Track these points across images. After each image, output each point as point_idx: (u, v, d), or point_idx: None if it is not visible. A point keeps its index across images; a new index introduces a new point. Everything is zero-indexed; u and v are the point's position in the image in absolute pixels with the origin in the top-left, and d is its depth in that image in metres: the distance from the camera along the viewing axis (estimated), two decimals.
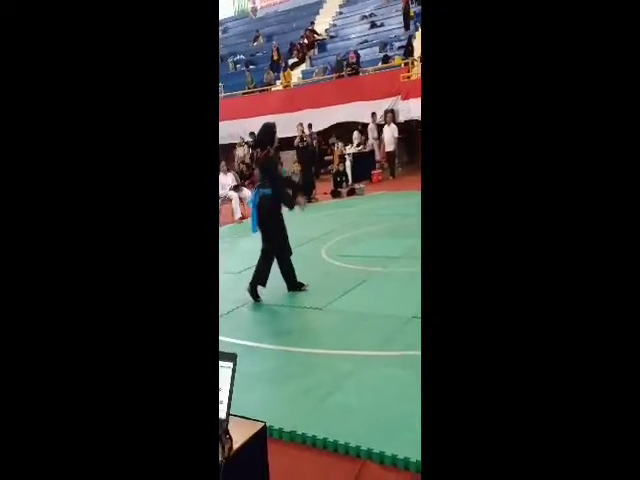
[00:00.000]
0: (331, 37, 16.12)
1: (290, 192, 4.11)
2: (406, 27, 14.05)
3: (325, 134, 12.90)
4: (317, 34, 15.94)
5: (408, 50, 12.78)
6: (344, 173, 10.17)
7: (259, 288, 4.08)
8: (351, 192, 9.48)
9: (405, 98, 11.88)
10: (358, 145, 11.96)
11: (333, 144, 12.21)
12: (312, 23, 16.34)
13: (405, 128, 12.03)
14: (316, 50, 15.68)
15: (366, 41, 14.68)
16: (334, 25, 16.53)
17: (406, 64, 12.42)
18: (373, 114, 11.79)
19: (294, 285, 4.18)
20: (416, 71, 12.24)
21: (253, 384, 2.68)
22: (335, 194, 9.54)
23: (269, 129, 4.12)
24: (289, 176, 4.38)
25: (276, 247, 4.02)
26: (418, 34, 13.19)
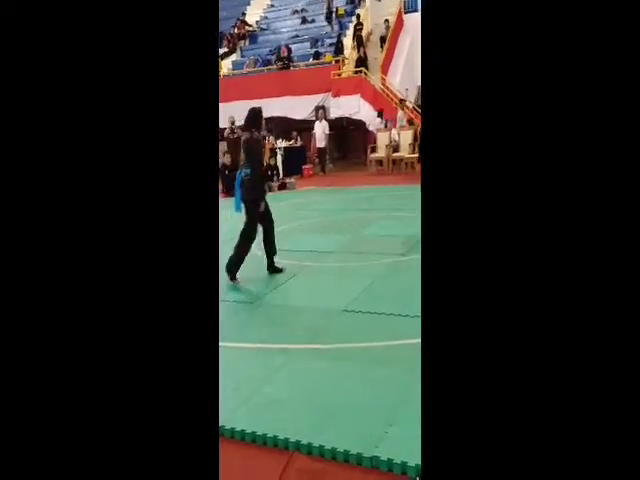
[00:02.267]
0: (262, 29, 15.94)
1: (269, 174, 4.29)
2: (330, 24, 14.17)
3: None
4: (248, 25, 15.70)
5: (338, 47, 12.94)
6: (275, 167, 10.13)
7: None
8: (282, 186, 9.47)
9: (336, 95, 12.03)
10: (290, 139, 11.95)
11: (265, 137, 12.10)
12: (243, 14, 16.07)
13: (336, 125, 12.19)
14: (247, 41, 15.45)
15: (297, 36, 14.66)
16: (265, 17, 16.35)
17: (337, 61, 12.56)
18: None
19: (272, 267, 4.36)
20: (346, 69, 12.42)
21: None
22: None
23: (256, 113, 4.19)
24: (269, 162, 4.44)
25: (255, 227, 4.16)
26: (349, 32, 13.39)
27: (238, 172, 4.25)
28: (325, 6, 14.25)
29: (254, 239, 4.22)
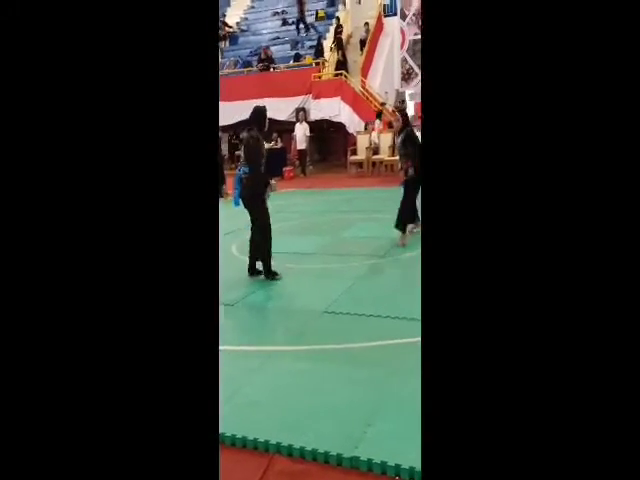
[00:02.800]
0: (242, 31, 15.88)
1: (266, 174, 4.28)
2: (298, 30, 14.13)
3: (235, 128, 12.69)
4: (229, 26, 15.62)
5: (318, 50, 12.97)
6: None
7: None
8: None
9: (316, 97, 12.06)
10: (271, 141, 11.93)
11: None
12: (224, 15, 15.98)
13: (316, 127, 12.21)
14: (227, 42, 15.36)
15: (278, 37, 14.65)
16: (245, 19, 16.30)
17: (317, 64, 12.59)
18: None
19: (269, 273, 4.25)
20: (327, 71, 12.46)
21: None
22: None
23: (260, 113, 4.21)
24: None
25: (266, 222, 4.15)
26: (329, 35, 13.44)
27: (237, 169, 4.35)
28: (297, 9, 14.21)
29: (270, 233, 4.17)
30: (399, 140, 4.87)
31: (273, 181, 4.40)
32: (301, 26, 14.08)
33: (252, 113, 4.30)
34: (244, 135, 4.27)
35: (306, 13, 14.38)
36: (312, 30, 14.00)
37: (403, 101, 5.12)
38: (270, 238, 4.21)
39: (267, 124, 4.31)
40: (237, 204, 4.28)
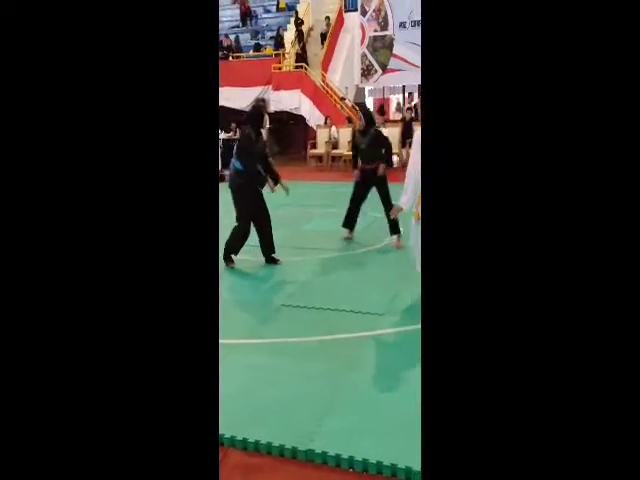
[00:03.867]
0: None
1: (263, 172, 4.25)
2: (243, 22, 14.04)
3: None
4: None
5: (278, 41, 12.85)
6: None
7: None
8: (220, 179, 9.30)
9: (276, 89, 11.96)
10: (229, 131, 11.74)
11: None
12: None
13: (276, 118, 12.11)
14: None
15: (238, 26, 14.41)
16: None
17: (277, 55, 12.48)
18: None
19: (269, 259, 4.34)
20: (287, 63, 12.37)
21: None
22: None
23: (257, 111, 4.30)
24: (268, 157, 4.40)
25: (247, 220, 4.21)
26: (290, 26, 13.33)
27: (231, 163, 4.37)
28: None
29: (246, 231, 4.24)
30: (365, 141, 4.77)
31: (270, 181, 4.38)
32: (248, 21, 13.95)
33: (250, 110, 4.32)
34: (241, 131, 4.37)
35: (255, 2, 14.24)
36: (256, 21, 13.87)
37: (362, 104, 5.13)
38: (243, 236, 4.27)
39: (265, 121, 4.41)
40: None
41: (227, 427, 2.07)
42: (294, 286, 3.88)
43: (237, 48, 12.93)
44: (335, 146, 11.19)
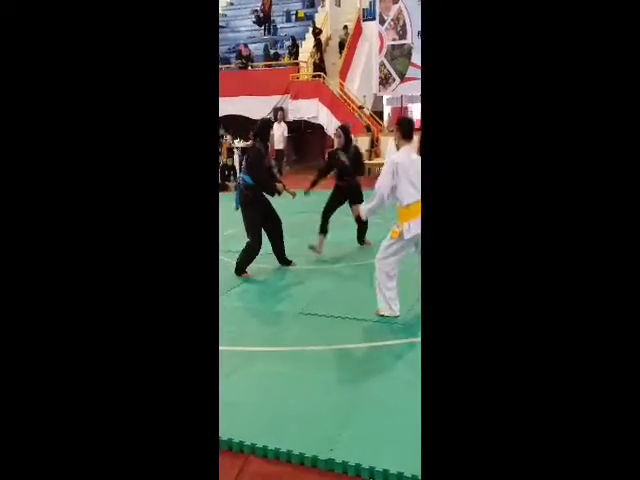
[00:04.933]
0: (221, 27, 15.73)
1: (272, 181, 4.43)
2: (261, 27, 14.19)
3: None
4: None
5: (296, 50, 12.96)
6: (232, 167, 10.01)
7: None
8: (226, 188, 9.38)
9: (294, 98, 12.04)
10: (247, 140, 11.86)
11: (222, 136, 11.95)
12: None
13: (294, 127, 12.19)
14: None
15: (256, 36, 14.58)
16: (224, 15, 16.15)
17: (295, 64, 12.58)
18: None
19: (282, 261, 4.52)
20: (305, 72, 12.46)
21: None
22: (223, 187, 9.37)
23: (265, 125, 4.45)
24: (271, 167, 4.65)
25: (258, 234, 4.31)
26: (308, 35, 13.44)
27: (239, 176, 4.52)
28: (259, 8, 14.10)
29: (259, 249, 4.31)
30: (348, 158, 5.01)
31: (279, 185, 4.50)
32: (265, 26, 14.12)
33: (258, 124, 4.44)
34: (249, 145, 4.51)
35: (274, 12, 14.39)
36: (275, 31, 14.02)
37: (344, 126, 5.51)
38: (254, 252, 4.32)
39: (272, 136, 4.61)
40: (237, 208, 4.43)
41: (247, 435, 2.08)
42: (312, 294, 3.89)
43: (251, 57, 13.09)
44: None
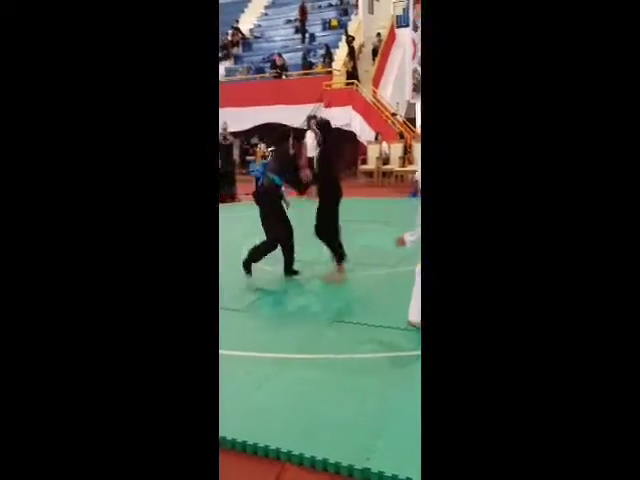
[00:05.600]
0: (256, 37, 16.01)
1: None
2: (299, 36, 14.31)
3: (247, 134, 12.78)
4: (242, 33, 15.76)
5: (330, 59, 13.05)
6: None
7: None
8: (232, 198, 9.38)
9: (327, 106, 12.11)
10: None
11: (255, 144, 12.14)
12: (237, 21, 16.13)
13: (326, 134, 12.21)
14: (240, 48, 15.50)
15: (290, 45, 14.76)
16: (259, 26, 16.43)
17: (329, 72, 12.66)
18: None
19: (289, 270, 4.46)
20: (338, 80, 12.52)
21: None
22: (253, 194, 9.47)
23: (283, 136, 4.75)
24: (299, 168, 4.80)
25: (277, 241, 4.34)
26: (341, 44, 13.51)
27: (264, 179, 4.45)
28: (295, 17, 14.26)
29: (272, 250, 4.31)
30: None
31: (288, 199, 4.57)
32: (306, 35, 14.26)
33: (280, 130, 4.68)
34: (277, 147, 4.60)
35: (309, 22, 14.54)
36: (313, 39, 14.16)
37: (314, 116, 5.33)
38: (267, 252, 4.33)
39: (290, 145, 4.70)
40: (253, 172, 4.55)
41: (284, 441, 2.09)
42: (344, 302, 3.88)
43: (285, 67, 13.24)
44: (386, 162, 11.17)
